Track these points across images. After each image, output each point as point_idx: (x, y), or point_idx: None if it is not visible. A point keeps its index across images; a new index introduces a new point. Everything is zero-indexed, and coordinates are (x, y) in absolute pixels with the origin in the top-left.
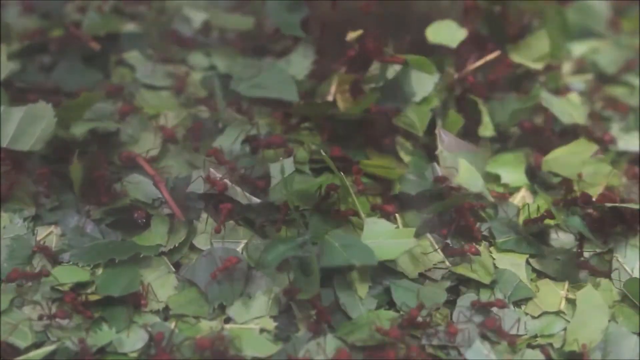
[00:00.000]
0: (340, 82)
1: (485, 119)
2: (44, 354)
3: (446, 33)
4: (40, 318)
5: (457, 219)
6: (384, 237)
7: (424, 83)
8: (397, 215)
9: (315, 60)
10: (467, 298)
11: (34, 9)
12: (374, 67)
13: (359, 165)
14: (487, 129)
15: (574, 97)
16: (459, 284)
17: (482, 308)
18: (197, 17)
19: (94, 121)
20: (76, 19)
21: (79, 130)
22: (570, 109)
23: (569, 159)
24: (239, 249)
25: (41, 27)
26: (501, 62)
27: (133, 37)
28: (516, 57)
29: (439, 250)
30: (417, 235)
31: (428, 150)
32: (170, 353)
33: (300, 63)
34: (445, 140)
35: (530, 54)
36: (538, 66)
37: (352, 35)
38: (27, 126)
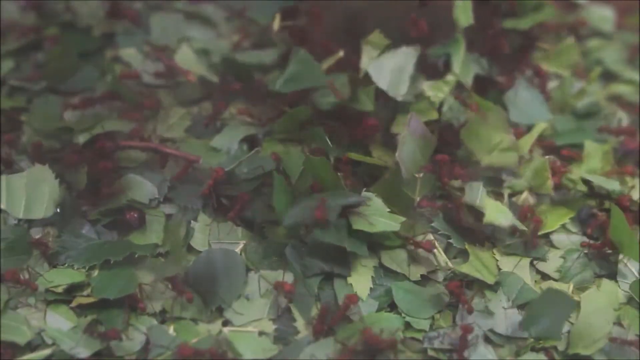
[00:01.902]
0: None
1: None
2: (40, 358)
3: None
4: (91, 334)
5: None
6: (376, 215)
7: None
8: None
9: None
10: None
11: (36, 7)
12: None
13: (349, 156)
14: None
15: None
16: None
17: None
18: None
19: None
20: (73, 18)
21: (82, 138)
22: None
23: None
24: (238, 250)
25: (36, 25)
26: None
27: (129, 34)
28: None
29: (441, 251)
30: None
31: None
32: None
33: None
34: (412, 125)
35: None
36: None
37: (330, 62)
38: (34, 192)
